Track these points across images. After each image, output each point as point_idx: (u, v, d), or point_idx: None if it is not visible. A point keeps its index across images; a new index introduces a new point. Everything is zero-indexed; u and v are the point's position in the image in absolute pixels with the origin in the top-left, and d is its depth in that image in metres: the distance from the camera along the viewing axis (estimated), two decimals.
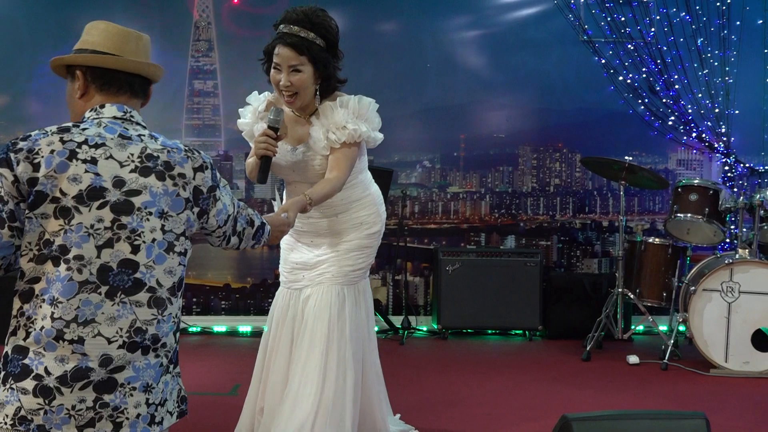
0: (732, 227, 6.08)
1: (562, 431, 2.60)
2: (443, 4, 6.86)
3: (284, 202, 3.44)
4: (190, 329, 6.60)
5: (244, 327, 6.63)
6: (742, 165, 6.70)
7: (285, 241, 3.64)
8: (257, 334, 6.53)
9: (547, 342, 6.35)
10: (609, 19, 6.68)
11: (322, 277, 3.50)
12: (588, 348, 5.71)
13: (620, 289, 5.75)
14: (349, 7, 6.94)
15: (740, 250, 5.46)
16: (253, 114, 3.56)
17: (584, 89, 6.93)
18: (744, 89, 6.77)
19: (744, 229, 5.57)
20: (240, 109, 3.64)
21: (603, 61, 6.76)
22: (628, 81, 6.75)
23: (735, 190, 6.53)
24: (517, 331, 6.52)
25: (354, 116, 3.35)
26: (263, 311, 6.87)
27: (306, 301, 3.50)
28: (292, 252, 3.63)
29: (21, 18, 6.73)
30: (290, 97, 3.30)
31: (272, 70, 3.30)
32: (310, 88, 3.31)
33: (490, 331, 6.56)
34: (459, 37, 6.98)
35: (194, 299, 6.89)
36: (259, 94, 3.62)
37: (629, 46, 6.70)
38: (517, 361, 5.72)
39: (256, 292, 6.93)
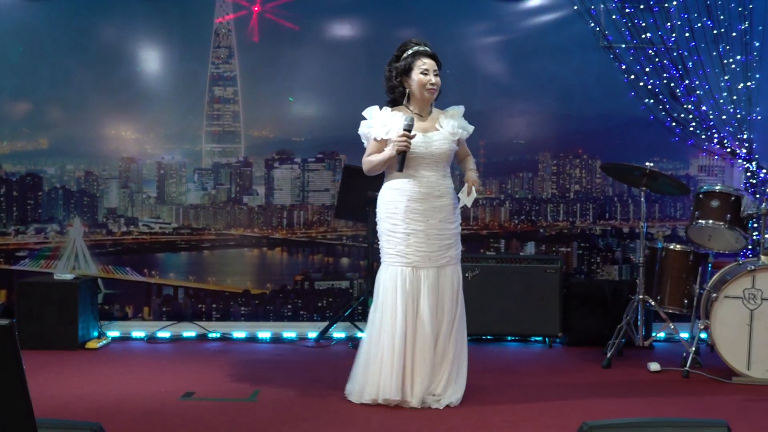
0: (754, 234, 6.03)
1: None
2: (463, 10, 6.88)
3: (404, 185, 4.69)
4: (210, 335, 6.64)
5: (264, 333, 6.65)
6: (764, 171, 6.66)
7: (401, 229, 4.66)
8: (276, 340, 6.59)
9: (567, 349, 6.34)
10: (629, 24, 6.66)
11: (449, 258, 4.71)
12: (608, 355, 5.70)
13: (641, 296, 5.72)
14: (370, 14, 6.98)
15: (762, 257, 5.43)
16: (384, 125, 4.69)
17: (604, 95, 6.92)
18: (766, 94, 6.72)
19: (766, 236, 5.53)
20: (363, 122, 4.75)
21: (623, 66, 6.74)
22: (649, 87, 6.72)
23: (757, 196, 6.49)
24: (537, 338, 6.52)
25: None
26: (282, 317, 6.92)
27: (439, 278, 4.66)
28: (413, 236, 4.64)
29: (43, 26, 6.79)
30: (433, 91, 4.72)
31: (420, 75, 4.67)
32: (439, 89, 4.75)
33: (509, 338, 6.56)
34: (479, 44, 7.01)
35: (214, 305, 6.93)
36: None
37: (650, 51, 6.67)
38: (536, 368, 5.71)
39: (276, 299, 6.96)
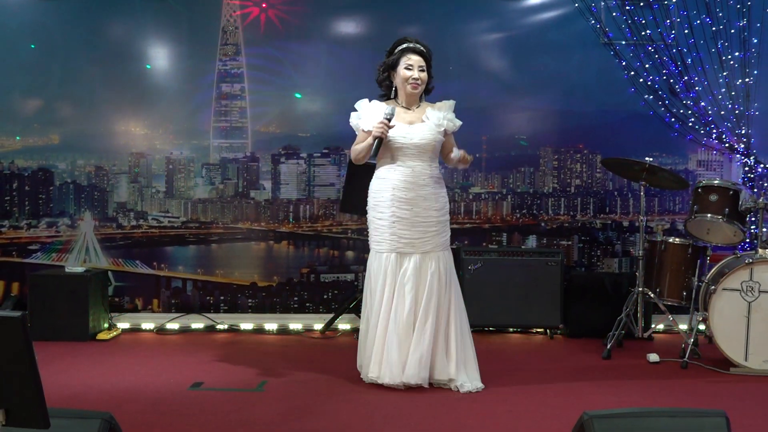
0: (752, 227, 6.11)
1: (582, 428, 2.67)
2: (466, 7, 6.93)
3: (383, 179, 4.93)
4: (218, 326, 6.70)
5: (270, 324, 6.72)
6: (762, 166, 6.72)
7: (387, 216, 4.88)
8: (283, 331, 6.66)
9: (568, 340, 6.38)
10: (629, 21, 6.71)
11: (434, 244, 4.88)
12: (608, 346, 5.75)
13: (641, 288, 5.77)
14: (374, 11, 7.04)
15: (760, 250, 5.46)
16: (371, 116, 4.90)
17: (605, 91, 6.96)
18: (764, 90, 6.77)
19: (764, 229, 5.55)
20: (353, 113, 4.99)
21: (623, 63, 6.80)
22: (649, 83, 6.78)
23: (755, 190, 6.55)
24: (539, 330, 6.57)
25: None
26: (289, 309, 6.98)
27: (423, 264, 4.84)
28: (398, 224, 4.86)
29: (53, 24, 6.86)
30: (417, 86, 4.90)
31: (404, 70, 4.88)
32: (425, 83, 4.93)
33: (511, 330, 6.61)
34: (481, 40, 7.06)
35: (222, 297, 7.00)
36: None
37: (650, 48, 6.72)
38: (538, 359, 5.77)
39: (282, 291, 7.04)
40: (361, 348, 5.05)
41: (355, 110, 5.03)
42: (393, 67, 4.95)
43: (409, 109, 4.98)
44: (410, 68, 4.89)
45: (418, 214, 4.88)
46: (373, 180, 5.02)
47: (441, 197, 4.97)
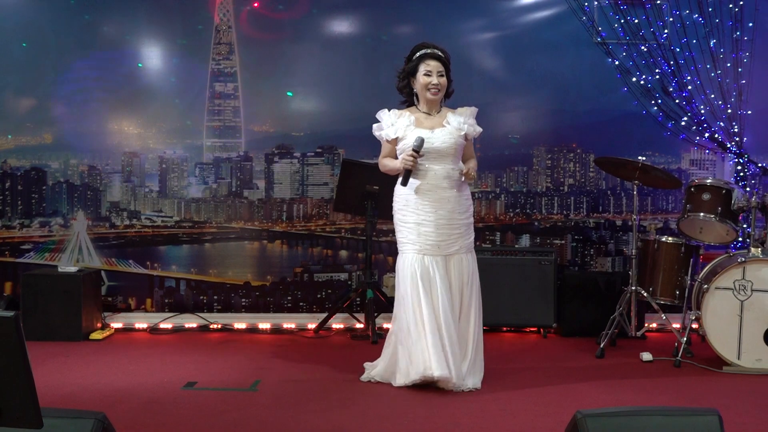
0: (744, 226, 6.12)
1: (576, 427, 2.66)
2: (459, 7, 6.94)
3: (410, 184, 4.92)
4: (211, 326, 6.70)
5: (264, 324, 6.73)
6: (754, 165, 6.73)
7: (412, 219, 4.91)
8: (277, 330, 6.66)
9: (561, 339, 6.40)
10: (622, 21, 6.72)
11: (459, 247, 4.94)
12: (602, 345, 5.76)
13: (634, 287, 5.78)
14: (368, 11, 7.04)
15: (753, 249, 5.47)
16: (392, 125, 5.00)
17: (598, 90, 6.99)
18: (756, 90, 6.78)
19: (756, 228, 5.60)
20: (375, 125, 5.05)
21: (616, 62, 6.81)
22: (642, 82, 6.80)
23: (747, 189, 6.56)
24: (532, 329, 6.59)
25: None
26: (282, 308, 6.99)
27: (449, 266, 4.90)
28: (423, 226, 4.89)
29: (46, 22, 6.85)
30: (436, 92, 4.94)
31: (423, 77, 4.92)
32: (445, 89, 4.97)
33: (505, 329, 6.62)
34: (474, 40, 7.06)
35: (215, 297, 7.00)
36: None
37: (642, 47, 6.74)
38: (531, 358, 5.78)
39: (276, 290, 7.04)
40: (388, 349, 5.04)
41: (378, 121, 5.07)
42: (412, 73, 4.99)
43: (429, 114, 5.01)
44: (429, 74, 4.94)
45: (443, 217, 4.91)
46: (398, 184, 5.04)
47: (465, 200, 5.02)
